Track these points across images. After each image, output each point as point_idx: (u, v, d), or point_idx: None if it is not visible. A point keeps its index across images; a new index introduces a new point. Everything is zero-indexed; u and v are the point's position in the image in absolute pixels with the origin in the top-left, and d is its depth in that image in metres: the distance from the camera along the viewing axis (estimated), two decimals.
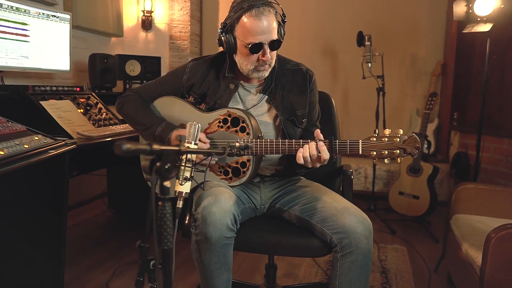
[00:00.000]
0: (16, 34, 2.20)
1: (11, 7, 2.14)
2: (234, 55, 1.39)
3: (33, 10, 2.27)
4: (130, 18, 3.73)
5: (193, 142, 1.14)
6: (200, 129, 1.17)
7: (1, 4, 2.07)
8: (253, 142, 1.28)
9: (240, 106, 1.45)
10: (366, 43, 3.02)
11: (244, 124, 1.34)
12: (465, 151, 3.27)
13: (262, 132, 1.39)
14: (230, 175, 1.37)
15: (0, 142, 1.41)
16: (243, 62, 1.36)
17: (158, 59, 3.24)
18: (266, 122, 1.45)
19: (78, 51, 3.05)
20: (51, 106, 2.04)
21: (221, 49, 1.45)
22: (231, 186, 1.37)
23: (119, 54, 3.03)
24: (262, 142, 1.27)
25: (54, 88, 2.22)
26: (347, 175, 1.57)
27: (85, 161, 2.41)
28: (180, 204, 1.12)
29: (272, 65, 1.39)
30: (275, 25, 1.31)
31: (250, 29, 1.28)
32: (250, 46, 1.29)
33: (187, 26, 3.86)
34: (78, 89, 2.42)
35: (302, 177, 1.60)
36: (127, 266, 2.25)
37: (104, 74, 2.80)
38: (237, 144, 1.08)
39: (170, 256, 0.77)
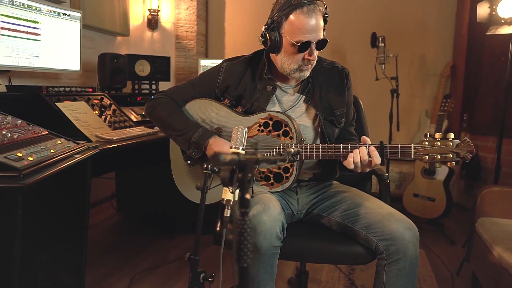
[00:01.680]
0: (28, 33, 2.11)
1: (23, 4, 2.06)
2: (276, 54, 1.34)
3: (44, 7, 2.19)
4: (136, 17, 3.65)
5: (240, 148, 1.09)
6: (246, 133, 1.11)
7: (13, 1, 1.99)
8: (301, 147, 1.23)
9: (278, 108, 1.40)
10: (380, 44, 2.99)
11: (287, 128, 1.28)
12: (475, 152, 3.26)
13: (303, 136, 1.34)
14: (272, 180, 1.31)
15: (26, 146, 1.33)
16: (287, 61, 1.31)
17: (167, 59, 3.16)
18: (304, 124, 1.41)
19: (85, 50, 2.96)
20: (66, 107, 1.97)
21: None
22: (271, 192, 1.32)
23: (128, 54, 2.95)
24: (314, 147, 1.22)
25: (67, 89, 2.14)
26: (383, 179, 1.53)
27: (101, 164, 2.33)
28: (228, 213, 1.07)
29: (314, 64, 1.35)
30: (322, 23, 1.28)
31: (299, 27, 1.24)
32: (299, 44, 1.25)
33: (194, 25, 3.79)
34: (90, 89, 2.34)
35: (336, 182, 1.55)
36: (143, 273, 2.18)
37: (114, 74, 2.72)
38: (292, 150, 1.02)
39: (248, 275, 0.71)
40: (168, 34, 3.78)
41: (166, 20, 3.75)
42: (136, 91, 3.02)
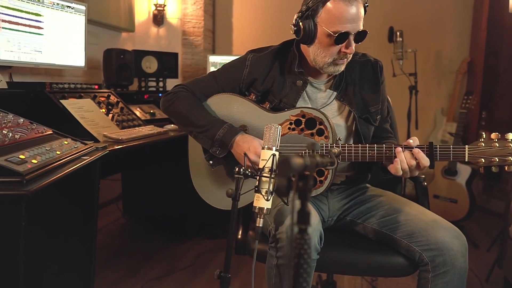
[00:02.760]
0: (30, 26, 1.98)
1: None
2: (308, 45, 1.21)
3: None
4: (141, 12, 3.52)
5: (274, 148, 0.95)
6: (280, 132, 0.98)
7: None
8: (340, 147, 1.09)
9: (308, 105, 1.27)
10: (398, 39, 2.86)
11: (321, 127, 1.15)
12: None
13: (338, 135, 1.21)
14: None
15: (29, 148, 1.20)
16: (320, 53, 1.18)
17: (175, 56, 3.04)
18: (337, 122, 1.28)
19: (89, 46, 2.82)
20: (72, 105, 1.84)
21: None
22: None
23: (135, 49, 2.83)
24: (353, 148, 1.09)
25: (72, 86, 2.01)
26: (420, 181, 1.40)
27: (111, 165, 2.21)
28: (260, 222, 0.94)
29: (350, 58, 1.22)
30: (362, 13, 1.15)
31: (338, 15, 1.11)
32: (336, 35, 1.12)
33: (201, 21, 3.66)
34: (96, 86, 2.21)
35: (368, 185, 1.42)
36: (154, 281, 2.05)
37: (120, 70, 2.59)
38: (335, 151, 0.89)
39: None
40: (175, 30, 3.65)
41: (172, 15, 3.62)
42: (143, 89, 2.89)
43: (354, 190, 1.36)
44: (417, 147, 1.08)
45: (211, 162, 1.28)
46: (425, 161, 1.06)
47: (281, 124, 1.20)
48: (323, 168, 1.15)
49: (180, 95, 1.30)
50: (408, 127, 2.98)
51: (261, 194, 0.92)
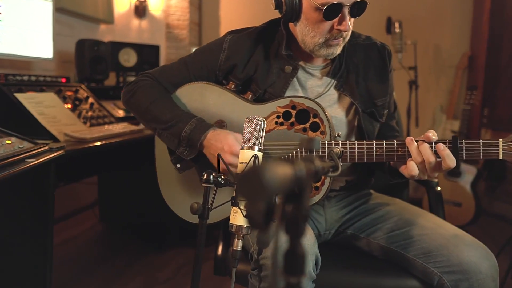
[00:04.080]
0: None
1: None
2: (295, 23, 0.99)
3: None
4: (122, 2, 3.28)
5: (256, 148, 0.73)
6: (265, 126, 0.76)
7: None
8: (341, 145, 0.87)
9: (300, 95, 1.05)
10: (397, 30, 2.65)
11: (316, 120, 0.94)
12: None
13: (336, 131, 0.99)
14: None
15: None
16: (309, 32, 0.96)
17: (156, 48, 2.81)
18: (336, 116, 1.06)
19: (62, 38, 2.59)
20: (29, 99, 1.60)
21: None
22: None
23: (111, 41, 2.59)
24: (356, 145, 0.87)
25: (33, 78, 1.77)
26: (432, 186, 1.19)
27: (75, 168, 1.97)
28: (239, 245, 0.71)
29: (347, 38, 1.00)
30: None
31: None
32: (325, 8, 0.90)
33: (186, 13, 3.43)
34: (64, 80, 1.97)
35: (372, 190, 1.21)
36: None
37: (94, 63, 2.35)
38: (337, 150, 0.68)
39: None
40: (158, 22, 3.41)
41: (155, 7, 3.39)
42: (121, 84, 2.65)
43: (355, 197, 1.15)
44: (437, 142, 0.86)
45: (178, 165, 1.05)
46: (451, 160, 0.84)
47: (266, 118, 0.98)
48: None
49: (142, 84, 1.08)
50: (408, 124, 2.79)
51: (239, 209, 0.70)
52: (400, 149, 0.88)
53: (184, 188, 1.08)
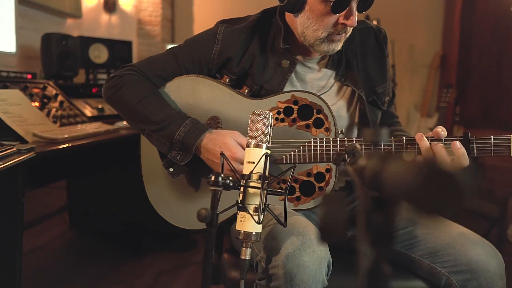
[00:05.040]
0: None
1: None
2: (296, 14, 0.92)
3: None
4: None
5: (264, 146, 0.66)
6: (272, 120, 0.69)
7: None
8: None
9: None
10: None
11: (320, 116, 0.88)
12: None
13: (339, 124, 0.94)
14: (298, 193, 0.89)
15: None
16: (312, 25, 0.90)
17: (128, 44, 2.67)
18: (338, 110, 1.01)
19: (25, 32, 2.41)
20: None
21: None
22: (295, 211, 0.90)
23: (81, 36, 2.43)
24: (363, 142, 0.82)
25: None
26: None
27: (42, 171, 1.82)
28: (247, 254, 0.64)
29: (349, 34, 0.95)
30: None
31: None
32: (334, 0, 0.84)
33: (158, 9, 3.31)
34: (29, 76, 1.82)
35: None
36: None
37: (62, 59, 2.19)
38: (359, 147, 0.62)
39: None
40: (129, 18, 3.27)
41: (125, 2, 3.24)
42: (91, 81, 2.50)
43: (352, 198, 1.10)
44: (447, 139, 0.83)
45: (171, 170, 0.97)
46: (465, 159, 0.81)
47: None
48: (322, 170, 0.88)
49: (128, 79, 0.98)
50: None
51: (248, 213, 0.62)
52: (409, 146, 0.84)
53: (173, 192, 0.99)
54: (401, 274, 0.95)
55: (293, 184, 0.90)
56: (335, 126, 0.89)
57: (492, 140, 0.83)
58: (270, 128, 0.68)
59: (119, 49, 2.60)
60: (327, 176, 0.89)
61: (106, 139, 1.60)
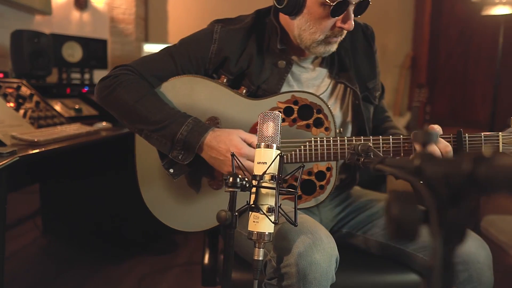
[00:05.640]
0: None
1: None
2: (293, 17, 0.93)
3: None
4: None
5: (275, 146, 0.67)
6: (281, 121, 0.69)
7: None
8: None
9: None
10: None
11: (320, 115, 0.89)
12: None
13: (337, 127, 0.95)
14: (299, 192, 0.90)
15: None
16: (309, 28, 0.92)
17: (103, 43, 2.60)
18: (335, 106, 1.03)
19: None
20: None
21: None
22: (298, 209, 0.91)
23: (53, 33, 2.34)
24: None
25: None
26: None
27: (16, 175, 1.74)
28: (260, 254, 0.65)
29: (344, 36, 0.97)
30: None
31: None
32: (334, 4, 0.86)
33: (132, 7, 3.23)
34: (1, 75, 1.73)
35: (358, 187, 1.20)
36: None
37: (35, 58, 2.10)
38: (370, 144, 0.63)
39: None
40: (101, 16, 3.17)
41: None
42: (64, 81, 2.41)
43: (346, 195, 1.13)
44: (441, 137, 0.87)
45: (171, 171, 0.95)
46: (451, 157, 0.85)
47: None
48: (323, 168, 0.89)
49: (123, 79, 0.95)
50: None
51: (263, 213, 0.63)
52: (406, 144, 0.87)
53: (170, 194, 0.97)
54: (395, 269, 0.99)
55: (294, 183, 0.91)
56: (334, 125, 0.91)
57: (482, 137, 0.87)
58: (279, 129, 0.68)
59: (93, 47, 2.52)
60: (327, 175, 0.91)
61: (87, 141, 1.55)
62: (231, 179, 0.60)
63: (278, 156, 0.64)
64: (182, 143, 0.89)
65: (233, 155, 0.69)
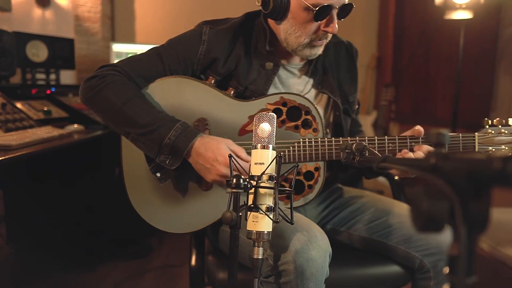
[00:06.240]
0: None
1: None
2: (278, 21, 0.96)
3: None
4: None
5: (271, 146, 0.68)
6: (275, 121, 0.71)
7: None
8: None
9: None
10: None
11: (308, 117, 0.92)
12: None
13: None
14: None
15: None
16: (294, 32, 0.94)
17: (70, 42, 2.51)
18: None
19: None
20: None
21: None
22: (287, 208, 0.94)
23: (16, 31, 2.23)
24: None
25: None
26: (393, 178, 1.27)
27: None
28: (260, 253, 0.66)
29: (329, 39, 1.00)
30: None
31: None
32: (317, 9, 0.88)
33: (97, 5, 3.14)
34: None
35: (340, 185, 1.24)
36: None
37: None
38: (366, 144, 0.66)
39: None
40: (65, 13, 3.05)
41: None
42: (29, 82, 2.31)
43: (328, 193, 1.16)
44: (423, 138, 0.92)
45: (158, 175, 0.95)
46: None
47: (254, 116, 0.93)
48: (312, 168, 0.92)
49: (111, 80, 0.93)
50: None
51: (262, 213, 0.64)
52: (390, 145, 0.91)
53: (158, 197, 0.96)
54: (378, 261, 1.03)
55: (284, 183, 0.93)
56: (322, 126, 0.94)
57: (460, 138, 0.93)
58: (275, 129, 0.70)
59: (59, 47, 2.43)
60: (316, 174, 0.94)
61: (61, 144, 1.50)
62: (234, 181, 0.61)
63: (278, 158, 0.66)
64: (170, 147, 0.88)
65: (230, 156, 0.70)
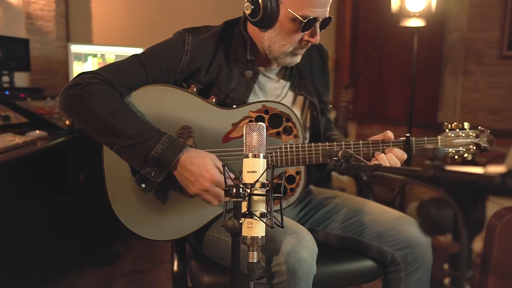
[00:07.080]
0: None
1: None
2: (264, 30, 1.00)
3: None
4: None
5: (262, 155, 0.72)
6: (265, 131, 0.75)
7: None
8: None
9: (261, 99, 1.06)
10: None
11: (289, 124, 0.97)
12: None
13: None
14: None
15: None
16: (280, 40, 0.99)
17: (25, 42, 2.39)
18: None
19: None
20: None
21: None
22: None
23: None
24: (335, 147, 0.93)
25: None
26: (361, 177, 1.35)
27: None
28: (254, 257, 0.70)
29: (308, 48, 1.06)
30: None
31: None
32: (305, 20, 0.94)
33: (51, 3, 3.01)
34: None
35: (312, 186, 1.30)
36: None
37: None
38: (352, 153, 0.72)
39: None
40: (15, 11, 2.89)
41: None
42: None
43: (304, 194, 1.22)
44: (394, 142, 1.00)
45: (143, 186, 0.96)
46: (404, 155, 0.99)
47: (237, 123, 0.97)
48: (293, 172, 0.97)
49: (95, 89, 0.92)
50: None
51: (257, 218, 0.68)
52: (365, 148, 0.98)
53: (143, 204, 0.97)
54: (353, 257, 1.11)
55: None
56: (302, 133, 0.99)
57: (425, 141, 1.03)
58: (265, 138, 0.73)
59: (13, 47, 2.31)
60: (297, 178, 0.99)
61: (27, 153, 1.44)
62: (235, 190, 0.64)
63: (271, 167, 0.69)
64: (156, 160, 0.89)
65: (224, 165, 0.72)
